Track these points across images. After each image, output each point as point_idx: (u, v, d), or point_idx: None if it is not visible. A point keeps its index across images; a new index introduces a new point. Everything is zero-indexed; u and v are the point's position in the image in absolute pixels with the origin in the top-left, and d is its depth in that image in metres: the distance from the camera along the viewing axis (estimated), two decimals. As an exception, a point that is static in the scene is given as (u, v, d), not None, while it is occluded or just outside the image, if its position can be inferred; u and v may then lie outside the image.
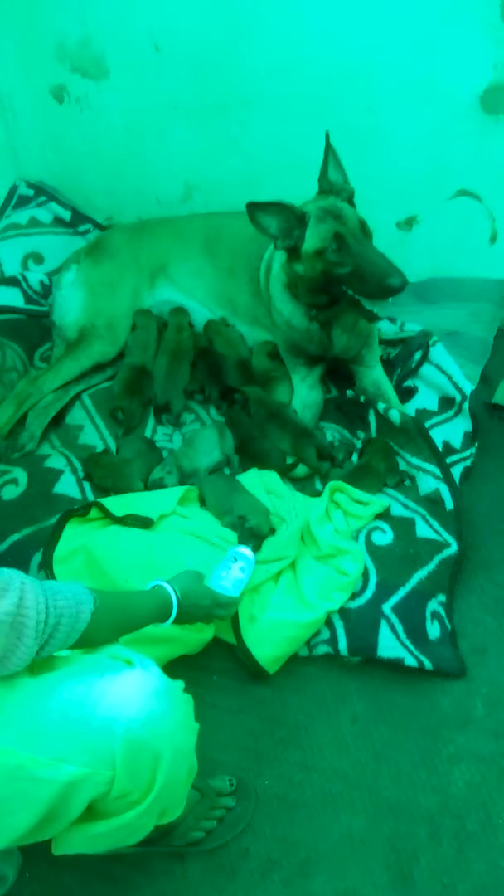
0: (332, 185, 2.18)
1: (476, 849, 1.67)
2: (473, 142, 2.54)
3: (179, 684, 1.32)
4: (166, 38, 2.62)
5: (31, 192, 3.08)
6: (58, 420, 2.51)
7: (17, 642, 1.09)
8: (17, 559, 2.06)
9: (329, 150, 2.16)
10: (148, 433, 2.51)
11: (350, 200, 2.20)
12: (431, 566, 2.06)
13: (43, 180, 3.13)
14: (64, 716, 1.15)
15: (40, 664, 1.23)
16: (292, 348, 2.50)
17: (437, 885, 1.62)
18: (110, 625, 1.29)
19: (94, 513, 2.09)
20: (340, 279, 2.15)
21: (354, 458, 2.36)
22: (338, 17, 2.40)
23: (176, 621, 1.50)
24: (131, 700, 1.18)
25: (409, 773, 1.78)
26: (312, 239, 2.13)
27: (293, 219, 2.14)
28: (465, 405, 2.43)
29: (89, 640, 1.23)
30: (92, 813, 1.23)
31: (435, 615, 1.99)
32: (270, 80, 2.59)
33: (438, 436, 2.35)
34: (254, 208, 2.10)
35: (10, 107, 2.96)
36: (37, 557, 2.05)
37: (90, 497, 2.25)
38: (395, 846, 1.68)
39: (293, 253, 2.20)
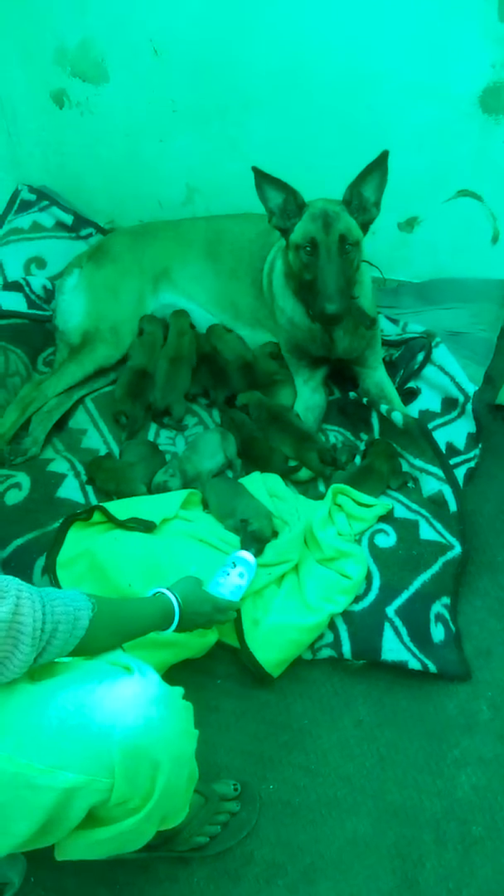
0: (360, 200, 2.17)
1: (482, 853, 1.66)
2: (474, 142, 2.54)
3: (178, 690, 1.32)
4: (166, 42, 2.63)
5: (33, 197, 3.09)
6: (61, 424, 2.51)
7: (13, 649, 1.09)
8: (20, 564, 2.06)
9: (377, 167, 2.11)
10: (151, 437, 2.51)
11: (366, 226, 2.20)
12: (435, 568, 2.04)
13: (45, 185, 3.14)
14: (62, 723, 1.15)
15: (41, 670, 1.23)
16: (295, 349, 2.49)
17: (442, 890, 1.61)
18: (110, 631, 1.29)
19: (97, 517, 2.08)
20: (305, 284, 2.18)
21: (357, 460, 2.35)
22: (337, 18, 2.39)
23: (178, 629, 1.50)
24: (129, 707, 1.17)
25: (414, 777, 1.77)
26: (298, 232, 2.16)
27: (293, 204, 2.17)
28: (469, 406, 2.41)
29: (89, 646, 1.23)
30: (92, 819, 1.23)
31: (439, 618, 1.98)
32: (270, 82, 2.60)
33: (442, 437, 2.34)
34: (262, 177, 2.14)
35: (12, 112, 2.98)
36: (40, 562, 2.05)
37: (93, 501, 2.25)
38: (401, 851, 1.67)
39: (286, 237, 2.22)
